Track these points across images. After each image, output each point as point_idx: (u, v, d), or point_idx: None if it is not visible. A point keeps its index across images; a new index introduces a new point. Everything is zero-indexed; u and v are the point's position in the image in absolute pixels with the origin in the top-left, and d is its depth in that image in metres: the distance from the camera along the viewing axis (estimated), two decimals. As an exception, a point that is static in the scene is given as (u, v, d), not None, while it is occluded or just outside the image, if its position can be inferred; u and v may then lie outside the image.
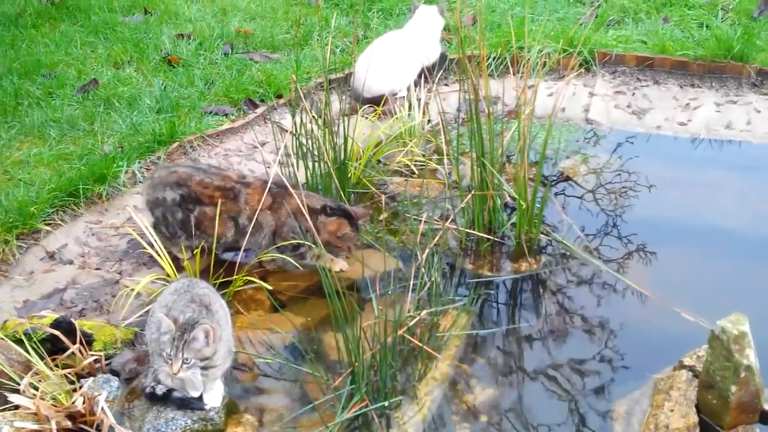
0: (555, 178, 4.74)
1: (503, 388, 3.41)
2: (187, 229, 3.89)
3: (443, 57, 5.78)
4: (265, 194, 3.84)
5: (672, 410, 3.10)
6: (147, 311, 3.49)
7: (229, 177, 3.94)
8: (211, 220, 3.84)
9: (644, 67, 5.87)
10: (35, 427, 2.89)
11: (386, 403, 3.23)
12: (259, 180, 3.98)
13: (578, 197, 4.60)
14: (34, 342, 3.19)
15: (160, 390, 3.13)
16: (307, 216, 3.57)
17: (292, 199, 3.78)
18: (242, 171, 4.25)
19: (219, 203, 3.80)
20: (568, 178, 4.76)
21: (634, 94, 5.65)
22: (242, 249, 3.84)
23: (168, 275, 3.74)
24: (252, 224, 3.81)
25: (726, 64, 5.69)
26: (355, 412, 3.14)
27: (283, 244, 3.91)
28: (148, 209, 3.99)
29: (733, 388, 2.95)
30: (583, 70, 5.84)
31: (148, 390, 3.15)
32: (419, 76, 5.55)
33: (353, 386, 3.22)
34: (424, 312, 3.48)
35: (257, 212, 3.82)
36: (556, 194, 4.57)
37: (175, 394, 3.13)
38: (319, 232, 3.82)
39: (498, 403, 3.32)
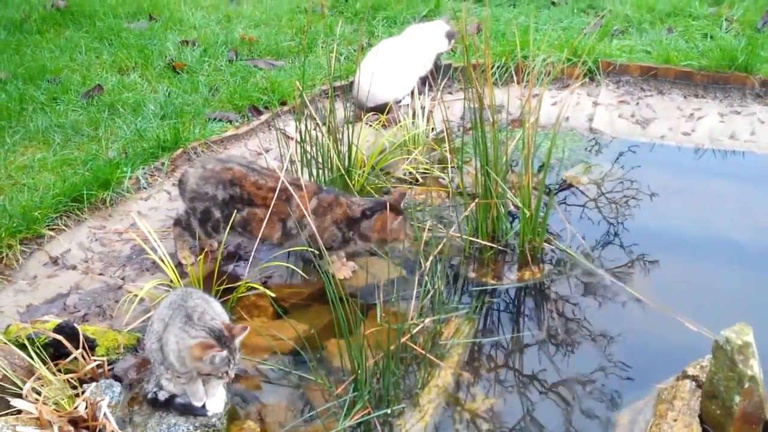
0: (559, 186, 4.74)
1: (505, 397, 3.40)
2: (229, 226, 3.86)
3: (437, 69, 5.78)
4: (313, 198, 3.86)
5: (675, 420, 3.09)
6: (150, 317, 3.49)
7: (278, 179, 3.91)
8: (259, 221, 3.83)
9: (648, 77, 5.88)
10: (38, 431, 2.89)
11: (389, 411, 3.22)
12: (311, 184, 3.98)
13: (582, 206, 4.60)
14: (37, 347, 3.19)
15: (162, 396, 3.13)
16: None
17: (339, 207, 3.81)
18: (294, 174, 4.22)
19: (271, 205, 3.78)
20: (571, 187, 4.76)
21: (638, 103, 5.65)
22: (251, 258, 3.84)
23: (171, 281, 3.74)
24: (298, 227, 3.84)
25: (730, 74, 5.70)
26: (358, 419, 3.13)
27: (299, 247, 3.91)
28: (186, 197, 3.96)
29: (737, 399, 2.94)
30: (587, 79, 5.86)
31: (150, 396, 3.15)
32: (423, 84, 5.56)
33: (356, 393, 3.21)
34: (427, 320, 3.48)
35: (304, 215, 3.80)
36: (559, 203, 4.57)
37: (178, 400, 3.12)
38: (368, 239, 3.84)
39: (500, 412, 3.32)
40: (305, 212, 3.72)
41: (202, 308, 3.09)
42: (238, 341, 3.00)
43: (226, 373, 2.98)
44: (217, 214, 3.85)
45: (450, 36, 5.67)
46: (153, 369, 3.18)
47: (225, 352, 2.93)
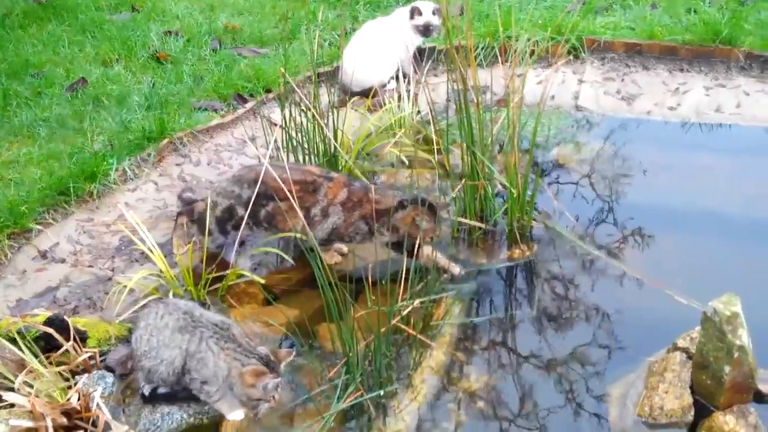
0: (546, 165, 4.74)
1: (498, 375, 3.42)
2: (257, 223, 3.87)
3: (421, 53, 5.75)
4: (343, 189, 3.84)
5: (666, 392, 3.11)
6: (141, 307, 3.50)
7: (310, 171, 3.90)
8: (283, 214, 3.81)
9: (633, 53, 5.87)
10: (31, 424, 2.89)
11: (381, 392, 3.23)
12: (342, 176, 3.95)
13: (569, 184, 4.61)
14: (28, 340, 3.20)
15: (146, 390, 3.14)
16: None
17: (368, 203, 3.78)
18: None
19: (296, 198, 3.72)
20: (558, 166, 4.77)
21: (623, 80, 5.65)
22: (237, 243, 3.85)
23: (160, 271, 3.74)
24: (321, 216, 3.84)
25: (714, 48, 5.70)
26: (351, 401, 3.15)
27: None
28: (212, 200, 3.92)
29: (727, 369, 2.96)
30: (571, 57, 5.84)
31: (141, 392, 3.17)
32: (417, 63, 5.55)
33: (348, 376, 3.22)
34: (417, 301, 3.48)
35: (329, 205, 3.82)
36: (547, 182, 4.57)
37: (160, 391, 3.14)
38: (398, 230, 3.81)
39: (493, 390, 3.33)
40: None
41: (227, 324, 3.11)
42: (283, 366, 3.02)
43: (273, 397, 3.00)
44: (241, 211, 3.83)
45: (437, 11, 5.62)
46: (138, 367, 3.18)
47: (278, 379, 2.96)
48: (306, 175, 3.86)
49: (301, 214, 3.56)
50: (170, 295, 3.67)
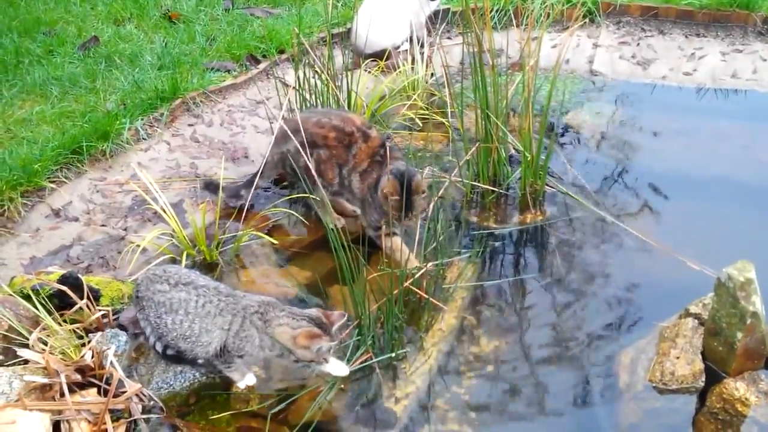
0: (560, 130, 4.72)
1: (509, 339, 3.42)
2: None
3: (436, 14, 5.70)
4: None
5: (678, 357, 3.11)
6: (153, 266, 3.51)
7: (351, 121, 3.88)
8: (326, 162, 3.82)
9: (649, 18, 5.82)
10: (45, 380, 2.91)
11: (392, 354, 3.25)
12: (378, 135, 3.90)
13: (583, 148, 4.59)
14: (42, 297, 3.20)
15: (159, 347, 3.16)
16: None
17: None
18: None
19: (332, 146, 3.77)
20: (572, 130, 4.74)
21: (638, 44, 5.60)
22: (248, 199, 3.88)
23: (173, 231, 3.74)
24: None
25: (731, 12, 5.64)
26: (361, 364, 3.17)
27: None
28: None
29: (739, 335, 2.96)
30: (587, 21, 5.79)
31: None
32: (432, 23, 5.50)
33: (359, 338, 3.23)
34: (429, 264, 3.48)
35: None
36: (561, 146, 4.55)
37: (169, 351, 3.16)
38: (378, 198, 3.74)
39: (504, 354, 3.34)
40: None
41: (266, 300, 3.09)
42: (336, 328, 3.01)
43: (325, 359, 3.00)
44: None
45: None
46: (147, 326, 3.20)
47: (332, 342, 2.95)
48: (346, 123, 3.85)
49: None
50: (184, 256, 3.68)
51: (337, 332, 3.00)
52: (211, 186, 4.08)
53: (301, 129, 3.66)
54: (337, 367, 3.05)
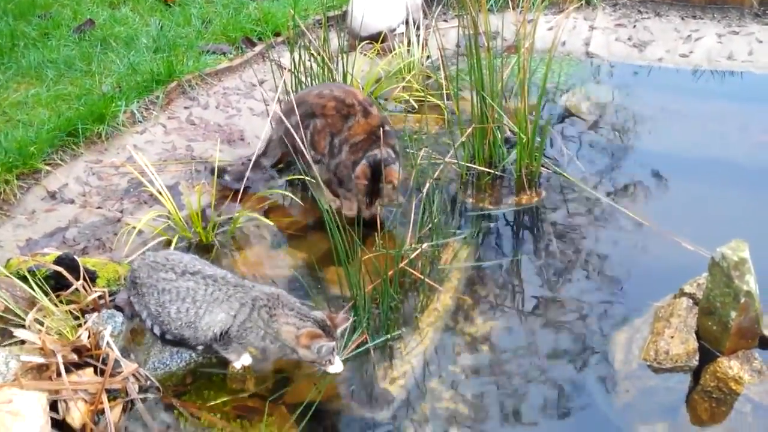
0: (555, 112, 4.72)
1: (504, 319, 3.43)
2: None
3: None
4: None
5: (672, 337, 3.12)
6: (149, 249, 3.53)
7: (354, 94, 3.90)
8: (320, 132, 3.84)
9: (645, 0, 5.81)
10: (42, 360, 2.92)
11: (388, 336, 3.26)
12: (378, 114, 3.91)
13: (579, 130, 4.59)
14: (38, 279, 3.20)
15: (157, 331, 3.16)
16: None
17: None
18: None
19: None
20: (568, 112, 4.74)
21: (635, 26, 5.60)
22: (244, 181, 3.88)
23: (169, 213, 3.75)
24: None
25: (728, -6, 5.64)
26: (356, 346, 3.18)
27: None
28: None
29: (733, 314, 2.97)
30: (583, 3, 5.79)
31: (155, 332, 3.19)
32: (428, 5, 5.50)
33: (355, 318, 3.24)
34: (425, 245, 3.49)
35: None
36: (556, 129, 4.55)
37: (168, 337, 3.16)
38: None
39: (499, 334, 3.35)
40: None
41: (277, 293, 3.09)
42: (340, 331, 3.02)
43: (329, 360, 2.99)
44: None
45: None
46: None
47: (332, 343, 2.96)
48: (348, 96, 3.86)
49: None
50: (176, 238, 3.68)
51: (338, 336, 3.01)
52: (216, 170, 4.05)
53: (300, 104, 3.76)
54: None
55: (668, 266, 3.59)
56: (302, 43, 4.33)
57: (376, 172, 3.66)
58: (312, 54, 4.36)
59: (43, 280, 3.21)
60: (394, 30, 5.39)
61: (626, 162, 4.31)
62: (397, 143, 3.88)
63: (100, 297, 3.30)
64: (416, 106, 4.67)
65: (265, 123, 4.21)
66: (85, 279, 3.26)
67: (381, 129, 3.74)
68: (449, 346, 3.31)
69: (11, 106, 4.56)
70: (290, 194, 3.95)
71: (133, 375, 3.03)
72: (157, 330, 3.14)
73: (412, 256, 3.44)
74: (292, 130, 3.58)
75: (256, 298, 3.03)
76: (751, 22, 5.48)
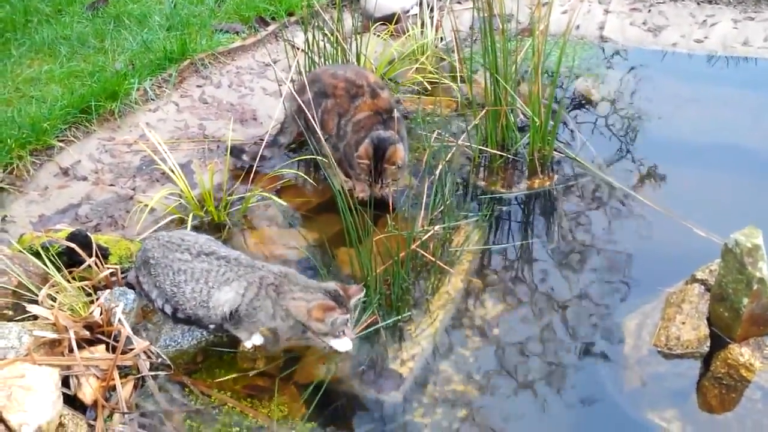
0: (569, 96, 4.70)
1: (515, 303, 3.43)
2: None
3: None
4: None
5: (683, 323, 3.12)
6: (161, 227, 3.54)
7: (365, 76, 3.92)
8: (329, 112, 3.86)
9: (661, -16, 5.77)
10: (54, 336, 2.94)
11: (399, 317, 3.26)
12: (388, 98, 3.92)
13: (592, 115, 4.57)
14: (51, 255, 3.21)
15: (168, 309, 3.16)
16: None
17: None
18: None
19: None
20: (582, 96, 4.72)
21: (650, 11, 5.56)
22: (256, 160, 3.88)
23: (181, 191, 3.75)
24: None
25: (745, -21, 5.59)
26: (367, 328, 3.19)
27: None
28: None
29: (745, 301, 2.96)
30: (598, -14, 5.75)
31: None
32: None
33: (366, 299, 3.24)
34: (437, 226, 3.49)
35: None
36: (570, 113, 4.53)
37: (179, 315, 3.17)
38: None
39: (509, 318, 3.35)
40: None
41: (285, 271, 3.08)
42: (353, 302, 3.01)
43: (343, 332, 2.99)
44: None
45: None
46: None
47: (346, 315, 2.95)
48: (359, 77, 3.88)
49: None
50: (190, 216, 3.69)
51: (351, 307, 3.00)
52: (234, 151, 4.04)
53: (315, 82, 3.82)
54: (341, 342, 3.05)
55: (680, 252, 3.58)
56: (316, 24, 4.32)
57: (379, 152, 3.67)
58: (326, 34, 4.35)
59: (56, 256, 3.22)
60: (408, 11, 5.36)
61: (639, 147, 4.29)
62: (403, 128, 3.88)
63: (112, 274, 3.31)
64: (429, 89, 4.66)
65: (278, 103, 4.20)
66: (97, 256, 3.28)
67: (387, 112, 3.75)
68: (459, 328, 3.32)
69: (24, 82, 4.57)
70: (303, 174, 3.94)
71: (145, 352, 3.05)
72: (168, 309, 3.14)
73: (424, 238, 3.44)
74: (304, 107, 3.60)
75: (263, 277, 3.03)
76: (767, 7, 5.44)
